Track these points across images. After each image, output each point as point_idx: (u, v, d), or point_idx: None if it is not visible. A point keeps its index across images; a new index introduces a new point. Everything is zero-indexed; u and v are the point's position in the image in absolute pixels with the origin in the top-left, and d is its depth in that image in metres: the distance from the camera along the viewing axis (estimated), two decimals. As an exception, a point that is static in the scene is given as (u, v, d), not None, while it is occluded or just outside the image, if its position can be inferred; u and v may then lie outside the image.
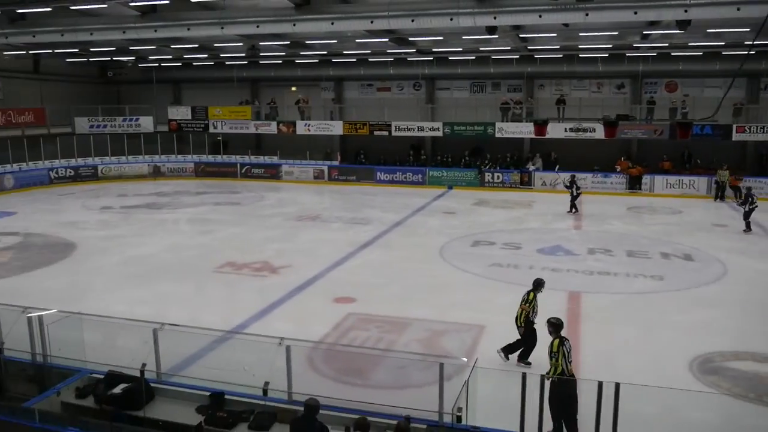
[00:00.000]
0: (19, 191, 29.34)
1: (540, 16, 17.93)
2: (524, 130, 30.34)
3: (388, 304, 13.19)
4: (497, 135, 30.78)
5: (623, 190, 28.90)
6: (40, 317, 8.08)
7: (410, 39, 28.22)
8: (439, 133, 31.87)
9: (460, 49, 29.91)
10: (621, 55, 29.54)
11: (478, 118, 31.68)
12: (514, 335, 10.17)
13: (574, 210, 23.94)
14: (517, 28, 23.51)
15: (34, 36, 23.35)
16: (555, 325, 8.28)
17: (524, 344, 10.11)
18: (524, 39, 26.62)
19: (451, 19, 18.61)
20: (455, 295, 13.92)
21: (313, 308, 13.19)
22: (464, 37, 26.14)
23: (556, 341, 8.05)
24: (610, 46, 28.01)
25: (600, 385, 6.46)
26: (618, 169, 29.19)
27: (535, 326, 9.96)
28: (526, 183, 30.06)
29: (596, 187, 29.26)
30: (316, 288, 14.56)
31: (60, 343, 8.04)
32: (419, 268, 16.22)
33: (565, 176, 25.45)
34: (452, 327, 11.78)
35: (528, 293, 10.26)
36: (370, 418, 6.31)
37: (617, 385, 6.41)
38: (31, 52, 31.53)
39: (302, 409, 6.37)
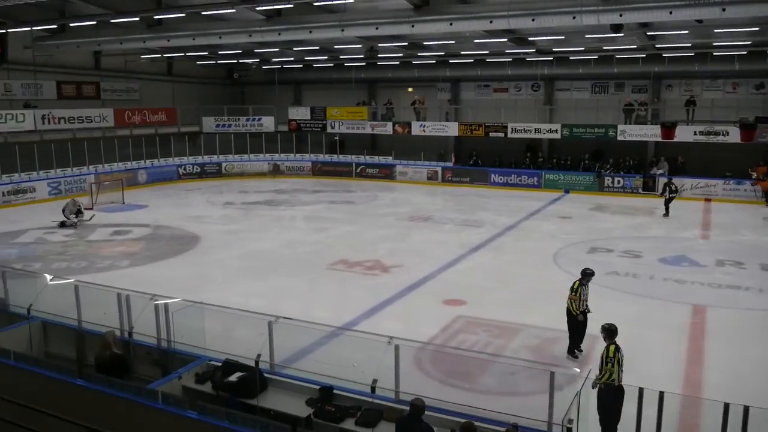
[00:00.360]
0: (151, 186, 31.36)
1: (670, 13, 16.94)
2: (649, 132, 28.94)
3: (498, 308, 12.97)
4: (619, 138, 29.51)
5: (760, 198, 26.82)
6: (166, 305, 8.53)
7: (530, 39, 27.63)
8: (557, 135, 30.98)
9: (582, 48, 28.92)
10: (761, 52, 27.37)
11: (599, 120, 30.50)
12: (629, 346, 9.71)
13: (665, 214, 23.19)
14: (645, 25, 22.43)
15: (168, 40, 24.86)
16: (609, 331, 8.07)
17: (570, 337, 10.40)
18: (652, 37, 25.34)
19: (574, 18, 17.99)
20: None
21: (422, 309, 13.20)
22: (587, 36, 25.25)
23: (612, 347, 7.80)
24: (749, 42, 26.06)
25: (726, 407, 6.02)
26: (753, 176, 27.13)
27: (586, 314, 10.37)
28: (649, 188, 28.57)
29: (728, 194, 27.37)
30: (427, 289, 14.55)
31: (183, 330, 8.46)
32: (532, 274, 15.84)
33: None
34: (564, 335, 11.35)
35: (574, 283, 10.53)
36: (476, 423, 6.21)
37: (746, 409, 5.94)
38: (165, 55, 33.72)
39: (408, 408, 6.36)
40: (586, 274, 10.59)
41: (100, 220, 22.14)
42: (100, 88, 32.59)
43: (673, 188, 23.45)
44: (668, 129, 25.72)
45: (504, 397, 8.67)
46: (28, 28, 25.56)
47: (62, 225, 20.92)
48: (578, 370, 7.43)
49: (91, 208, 23.32)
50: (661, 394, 6.60)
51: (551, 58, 31.22)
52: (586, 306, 10.47)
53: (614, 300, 13.57)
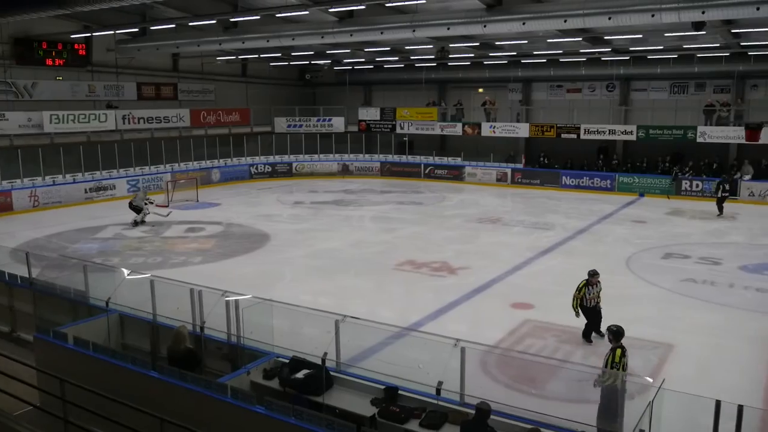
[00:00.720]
0: (224, 184, 32.17)
1: (758, 9, 16.10)
2: (731, 134, 27.72)
3: (567, 313, 12.61)
4: (699, 140, 28.36)
5: None
6: (236, 301, 8.70)
7: (605, 38, 26.94)
8: (632, 137, 30.05)
9: (661, 47, 27.93)
10: None
11: (678, 121, 29.41)
12: (708, 356, 9.34)
13: (719, 214, 23.05)
14: (729, 22, 21.49)
15: (243, 42, 25.47)
16: (615, 333, 8.04)
17: (586, 325, 11.30)
18: (737, 35, 24.25)
19: (653, 16, 17.38)
20: (641, 309, 13.03)
21: (489, 312, 13.05)
22: (666, 34, 24.38)
23: (618, 351, 7.71)
24: (844, 39, 24.67)
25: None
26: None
27: (597, 309, 11.31)
28: (732, 193, 27.27)
29: (817, 200, 25.97)
30: (494, 291, 14.38)
31: (252, 326, 8.61)
32: (603, 279, 15.26)
33: None
34: (636, 343, 10.99)
35: (580, 282, 11.34)
36: (543, 430, 6.07)
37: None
38: (240, 57, 34.57)
39: (474, 412, 6.29)
40: (591, 275, 11.38)
41: (175, 218, 22.89)
42: (178, 89, 33.72)
43: (727, 187, 23.17)
44: (753, 130, 24.69)
45: (572, 404, 8.46)
46: (111, 32, 26.78)
47: (135, 224, 21.41)
48: (651, 379, 7.16)
49: (167, 206, 24.11)
50: (740, 408, 6.26)
51: (627, 58, 30.35)
52: (597, 303, 11.32)
53: (691, 309, 13.08)
